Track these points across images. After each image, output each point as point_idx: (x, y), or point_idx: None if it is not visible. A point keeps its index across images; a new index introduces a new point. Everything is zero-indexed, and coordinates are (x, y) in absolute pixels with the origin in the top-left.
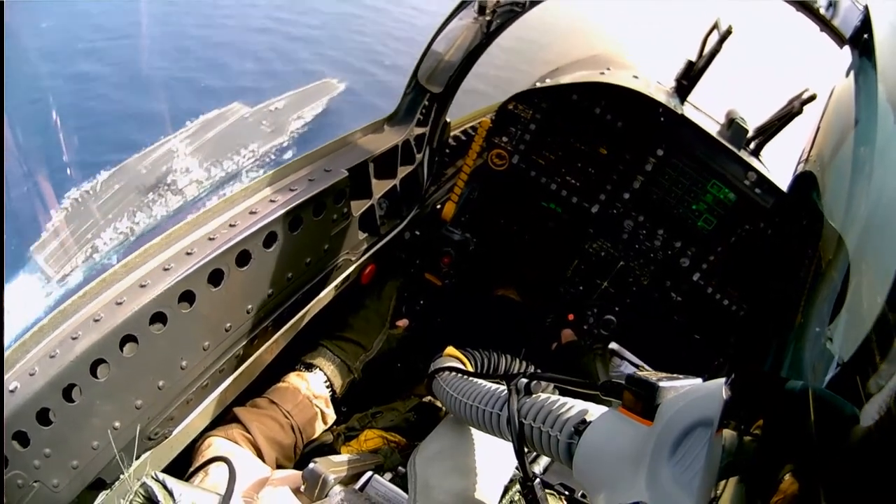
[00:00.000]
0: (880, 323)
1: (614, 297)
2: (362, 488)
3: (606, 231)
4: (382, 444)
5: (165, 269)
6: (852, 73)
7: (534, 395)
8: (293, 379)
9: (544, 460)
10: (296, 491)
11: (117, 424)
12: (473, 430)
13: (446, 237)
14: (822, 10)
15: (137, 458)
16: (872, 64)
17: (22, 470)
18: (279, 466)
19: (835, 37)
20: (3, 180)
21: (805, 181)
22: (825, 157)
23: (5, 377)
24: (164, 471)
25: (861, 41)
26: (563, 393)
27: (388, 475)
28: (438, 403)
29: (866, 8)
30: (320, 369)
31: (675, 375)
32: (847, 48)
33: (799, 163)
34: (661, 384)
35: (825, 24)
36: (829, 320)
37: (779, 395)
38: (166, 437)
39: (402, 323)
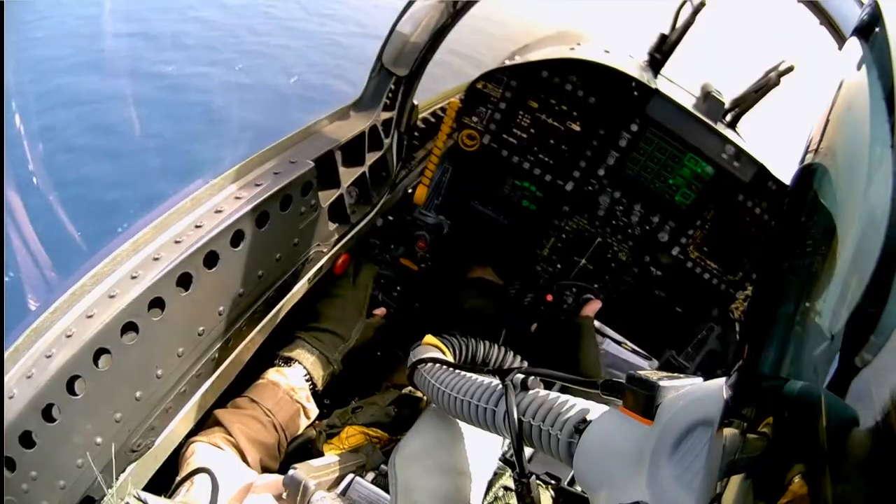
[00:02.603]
0: (883, 319)
1: (593, 274)
2: (344, 492)
3: (582, 208)
4: (364, 441)
5: (133, 277)
6: (864, 66)
7: (531, 392)
8: (272, 375)
9: (529, 449)
10: (278, 497)
11: (99, 440)
12: (454, 425)
13: (420, 221)
14: None
15: (123, 471)
16: (885, 57)
17: (12, 495)
18: (264, 467)
19: (815, 10)
20: (3, 183)
21: (812, 173)
22: (836, 150)
23: None
24: (151, 481)
25: (871, 33)
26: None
27: (371, 475)
28: (419, 394)
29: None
30: (299, 362)
31: (675, 375)
32: (853, 39)
33: (806, 153)
34: (662, 383)
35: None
36: (831, 317)
37: (778, 395)
38: (149, 448)
39: (380, 312)
